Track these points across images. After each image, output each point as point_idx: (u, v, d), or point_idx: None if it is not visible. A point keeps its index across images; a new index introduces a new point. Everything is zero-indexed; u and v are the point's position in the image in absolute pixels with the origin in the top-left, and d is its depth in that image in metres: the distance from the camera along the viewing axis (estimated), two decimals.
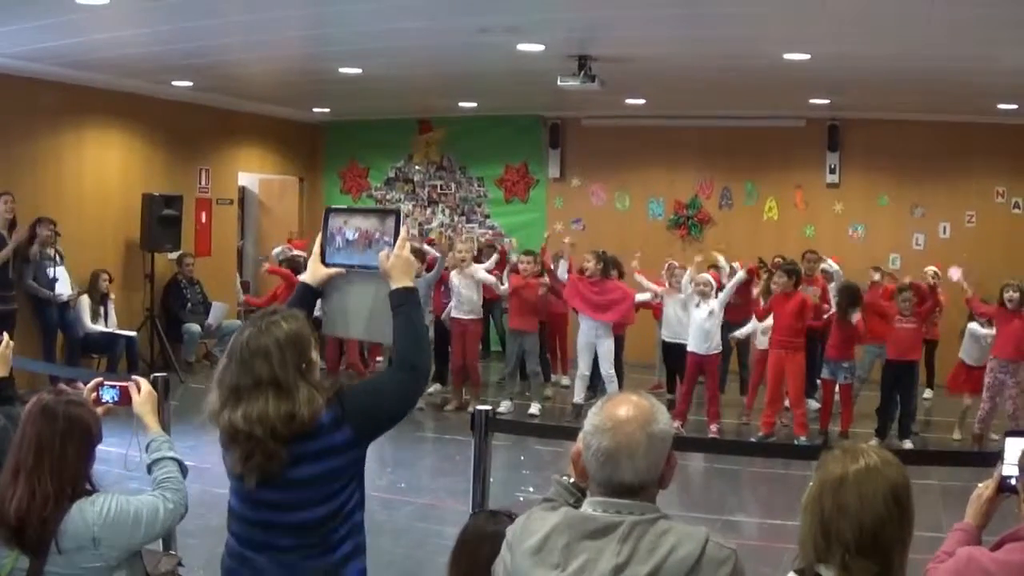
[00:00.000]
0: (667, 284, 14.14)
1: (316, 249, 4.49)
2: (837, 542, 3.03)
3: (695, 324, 13.24)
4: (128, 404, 4.63)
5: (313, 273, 4.44)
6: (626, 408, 3.14)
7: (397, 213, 4.41)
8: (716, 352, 13.38)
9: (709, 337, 13.18)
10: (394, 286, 4.23)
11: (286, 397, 3.86)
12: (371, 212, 4.47)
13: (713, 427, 13.21)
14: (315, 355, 4.06)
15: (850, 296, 12.89)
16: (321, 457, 3.91)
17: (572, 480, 3.46)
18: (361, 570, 4.14)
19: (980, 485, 3.87)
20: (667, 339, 14.25)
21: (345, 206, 4.58)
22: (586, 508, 3.15)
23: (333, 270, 4.44)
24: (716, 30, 11.06)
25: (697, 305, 13.20)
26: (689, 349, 13.36)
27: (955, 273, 13.73)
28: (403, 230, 4.34)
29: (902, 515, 3.07)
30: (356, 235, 4.43)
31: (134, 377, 4.76)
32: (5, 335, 5.60)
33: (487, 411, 6.03)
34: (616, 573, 2.95)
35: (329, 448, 3.92)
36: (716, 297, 13.24)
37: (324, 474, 3.94)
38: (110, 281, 15.26)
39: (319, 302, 4.47)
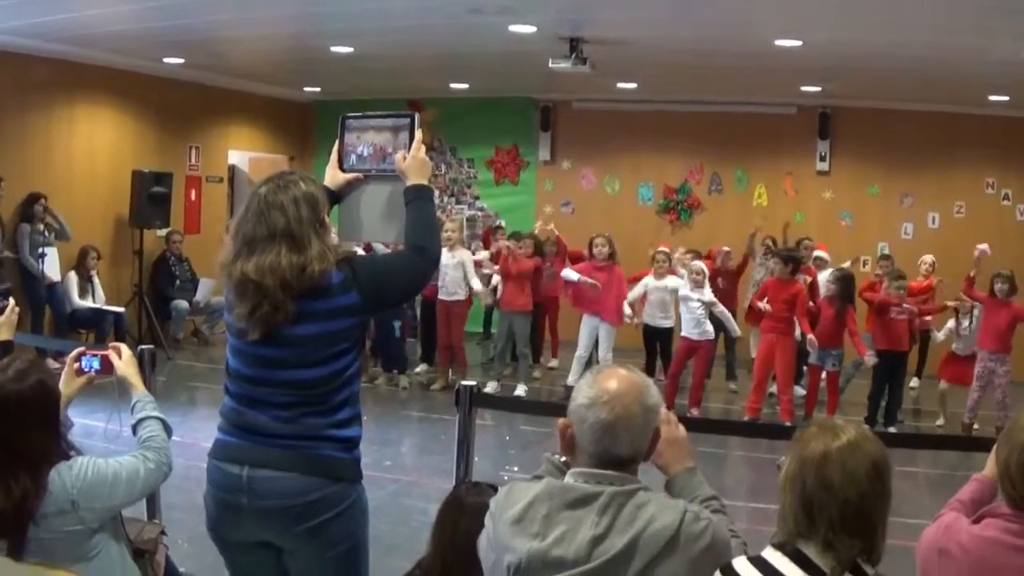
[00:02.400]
0: (653, 269, 14.10)
1: (334, 156, 4.56)
2: (821, 518, 3.01)
3: (688, 310, 13.25)
4: (109, 373, 4.62)
5: (332, 178, 4.50)
6: (619, 381, 3.19)
7: (411, 118, 4.47)
8: (709, 339, 13.38)
9: (701, 323, 13.19)
10: (409, 183, 4.32)
11: (299, 250, 3.95)
12: (384, 125, 4.52)
13: (694, 411, 13.13)
14: (328, 220, 4.14)
15: (846, 287, 12.90)
16: (325, 317, 3.99)
17: (563, 459, 3.46)
18: (359, 436, 4.19)
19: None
20: (649, 323, 14.23)
21: (360, 114, 4.56)
22: (568, 479, 3.19)
23: (351, 175, 4.51)
24: (708, 14, 11.08)
25: (691, 292, 13.21)
26: (683, 334, 13.37)
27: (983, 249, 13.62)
28: (418, 133, 4.41)
29: (884, 490, 3.07)
30: (371, 151, 4.51)
31: (112, 344, 4.76)
32: (11, 300, 5.62)
33: (472, 386, 6.04)
34: (594, 544, 2.98)
35: (335, 309, 4.00)
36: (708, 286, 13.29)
37: (326, 334, 4.00)
38: (98, 258, 15.26)
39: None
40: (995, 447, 3.78)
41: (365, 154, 4.51)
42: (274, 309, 3.91)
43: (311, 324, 3.97)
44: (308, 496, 3.99)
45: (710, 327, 13.34)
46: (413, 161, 4.32)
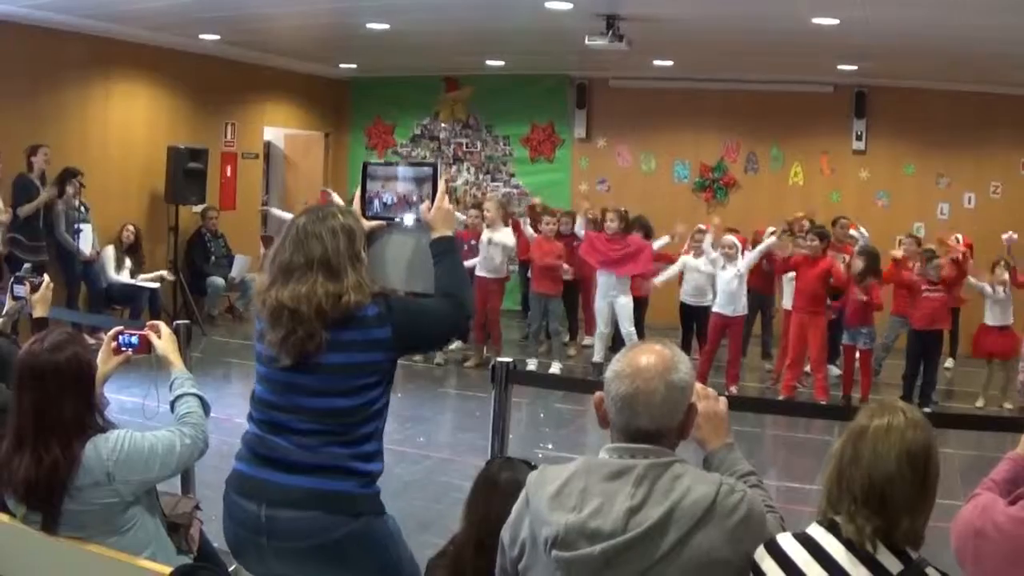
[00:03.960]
0: (689, 247, 14.11)
1: (356, 203, 4.53)
2: (847, 492, 3.05)
3: (721, 286, 13.22)
4: (146, 351, 4.67)
5: None
6: (647, 356, 3.19)
7: (434, 168, 4.49)
8: (741, 314, 13.38)
9: (735, 299, 13.16)
10: (435, 236, 4.32)
11: (335, 279, 3.96)
12: (407, 174, 4.53)
13: (732, 389, 13.13)
14: (364, 254, 4.14)
15: (869, 261, 12.82)
16: (358, 348, 3.98)
17: None
18: (379, 472, 4.15)
19: None
20: (687, 301, 14.24)
21: (382, 162, 4.62)
22: (603, 454, 3.20)
23: (375, 223, 4.49)
24: None
25: (723, 267, 13.17)
26: (715, 310, 13.35)
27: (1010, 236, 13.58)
28: (441, 183, 4.42)
29: (916, 478, 3.04)
30: (394, 200, 4.50)
31: (151, 322, 4.79)
32: (46, 276, 5.68)
33: (507, 363, 6.03)
34: (630, 515, 3.00)
35: (368, 340, 3.99)
36: (742, 258, 13.24)
37: (357, 365, 3.99)
38: (137, 238, 15.33)
39: None
40: None
41: (389, 202, 4.52)
42: (308, 336, 3.91)
43: (342, 353, 3.96)
44: (330, 535, 3.97)
45: (743, 303, 13.34)
46: (438, 212, 4.34)
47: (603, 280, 13.98)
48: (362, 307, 3.96)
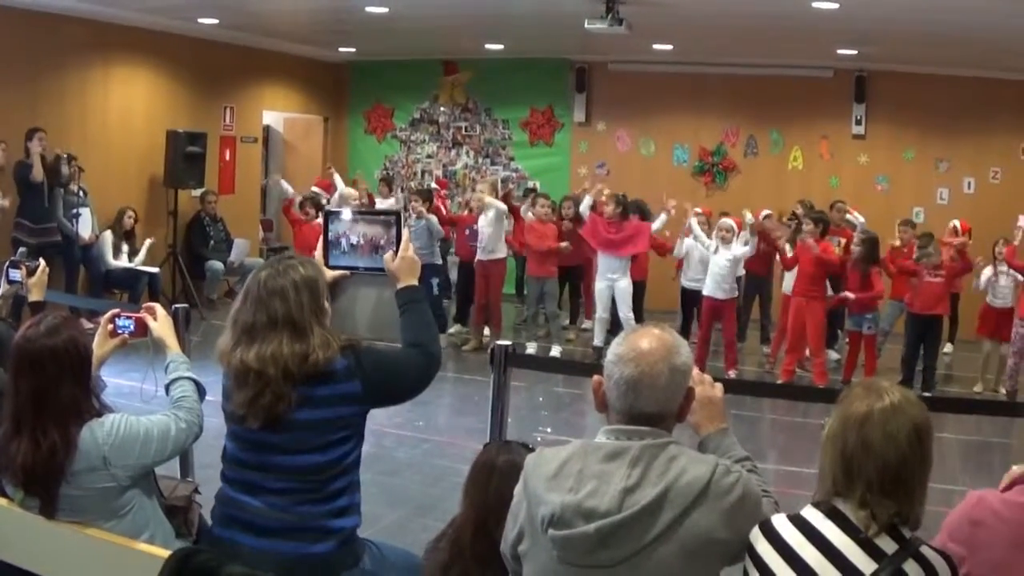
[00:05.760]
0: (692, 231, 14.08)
1: (318, 253, 4.52)
2: (859, 479, 3.02)
3: (714, 269, 13.22)
4: (143, 335, 4.65)
5: None
6: (649, 340, 3.21)
7: (398, 216, 4.50)
8: (732, 297, 13.40)
9: (726, 282, 13.18)
10: (400, 286, 4.31)
11: (301, 338, 3.90)
12: (373, 219, 4.53)
13: (731, 373, 13.13)
14: (327, 304, 4.10)
15: (870, 248, 12.82)
16: (327, 403, 3.94)
17: None
18: (355, 526, 4.13)
19: None
20: (687, 285, 14.28)
21: (352, 209, 4.58)
22: (600, 437, 3.22)
23: (338, 272, 4.48)
24: None
25: (716, 251, 13.17)
26: (705, 293, 13.37)
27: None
28: (405, 231, 4.43)
29: (923, 454, 3.06)
30: (361, 240, 4.49)
31: (147, 304, 4.78)
32: (42, 260, 5.68)
33: (507, 346, 6.03)
34: (626, 495, 3.02)
35: (337, 396, 3.95)
36: (738, 243, 13.23)
37: (327, 420, 3.95)
38: (135, 221, 15.30)
39: None
40: None
41: (355, 242, 4.51)
42: (276, 399, 3.87)
43: (312, 410, 3.93)
44: None
45: (733, 285, 13.44)
46: (403, 262, 4.33)
47: (603, 263, 13.98)
48: (331, 362, 3.92)
